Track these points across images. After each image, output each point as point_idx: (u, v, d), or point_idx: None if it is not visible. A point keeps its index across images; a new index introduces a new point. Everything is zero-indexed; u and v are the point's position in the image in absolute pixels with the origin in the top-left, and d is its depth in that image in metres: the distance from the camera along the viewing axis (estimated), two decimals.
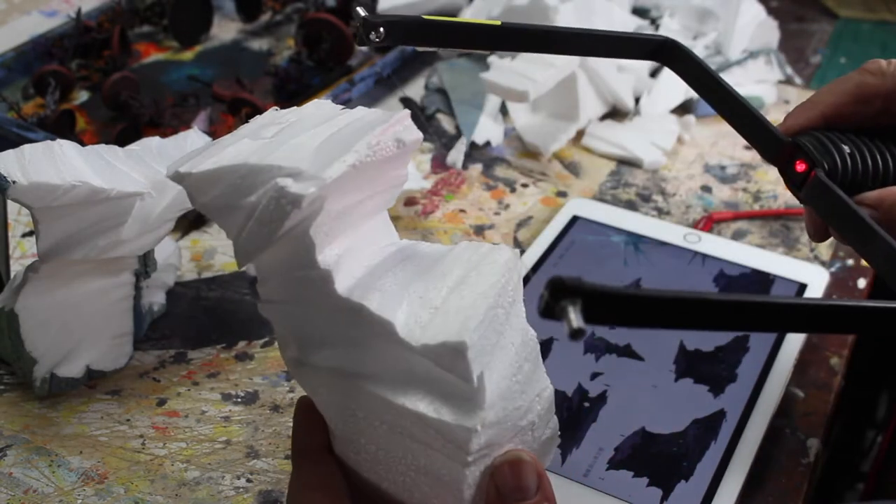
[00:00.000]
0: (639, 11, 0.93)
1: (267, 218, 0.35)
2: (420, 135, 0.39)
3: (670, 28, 0.91)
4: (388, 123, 0.38)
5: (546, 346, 0.59)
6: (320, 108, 0.41)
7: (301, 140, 0.37)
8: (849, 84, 0.49)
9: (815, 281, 0.64)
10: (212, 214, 0.38)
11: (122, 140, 0.72)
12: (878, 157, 0.49)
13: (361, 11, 0.49)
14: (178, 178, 0.38)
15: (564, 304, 0.30)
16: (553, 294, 0.30)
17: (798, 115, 0.50)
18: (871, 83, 0.49)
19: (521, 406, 0.38)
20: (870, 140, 0.49)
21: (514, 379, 0.37)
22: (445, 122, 0.83)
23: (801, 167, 0.48)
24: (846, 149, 0.48)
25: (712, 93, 0.53)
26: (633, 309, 0.31)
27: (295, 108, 0.41)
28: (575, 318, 0.29)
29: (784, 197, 0.74)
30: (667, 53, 0.54)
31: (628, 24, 0.88)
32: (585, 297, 0.30)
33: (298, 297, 0.38)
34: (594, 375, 0.57)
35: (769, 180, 0.76)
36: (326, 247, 0.37)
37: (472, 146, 0.80)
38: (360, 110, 0.40)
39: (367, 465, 0.40)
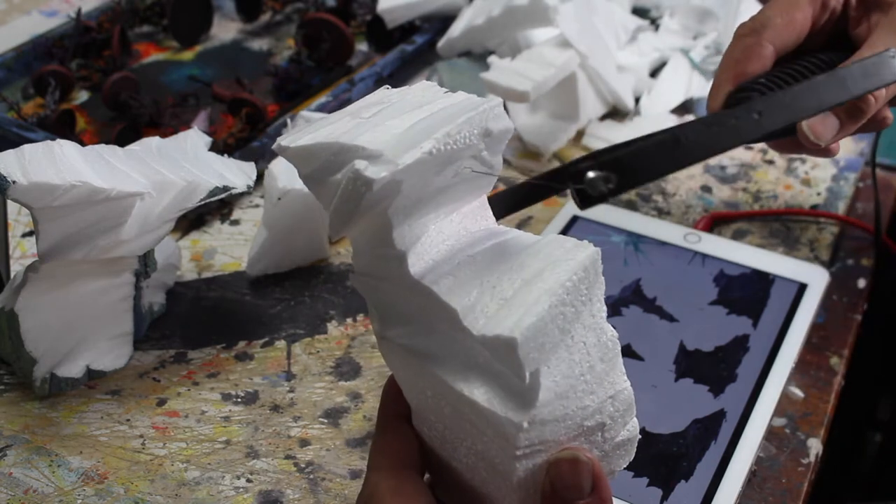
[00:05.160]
0: (639, 11, 0.93)
1: (346, 196, 0.37)
2: (510, 124, 0.39)
3: (670, 28, 0.91)
4: (476, 112, 0.38)
5: None
6: (426, 90, 0.41)
7: (394, 122, 0.39)
8: (736, 49, 0.56)
9: (815, 281, 0.64)
10: (310, 187, 0.40)
11: (122, 140, 0.72)
12: (793, 70, 0.55)
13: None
14: (279, 149, 0.40)
15: (591, 174, 0.35)
16: (574, 177, 0.35)
17: (714, 94, 0.56)
18: (750, 42, 0.56)
19: (588, 406, 0.37)
20: (776, 70, 0.56)
21: (582, 378, 0.37)
22: None
23: None
24: (762, 80, 0.54)
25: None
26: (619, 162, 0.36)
27: (404, 88, 0.42)
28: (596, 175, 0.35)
29: (784, 197, 0.74)
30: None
31: (628, 24, 0.88)
32: (593, 165, 0.35)
33: (380, 274, 0.40)
34: None
35: (769, 180, 0.76)
36: (406, 227, 0.38)
37: None
38: (460, 95, 0.40)
39: (437, 443, 0.40)
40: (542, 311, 0.35)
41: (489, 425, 0.37)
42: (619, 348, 0.39)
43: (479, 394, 0.37)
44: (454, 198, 0.40)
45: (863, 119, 0.54)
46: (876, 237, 0.69)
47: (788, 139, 0.56)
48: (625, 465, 0.40)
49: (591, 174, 0.35)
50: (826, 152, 0.58)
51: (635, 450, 0.40)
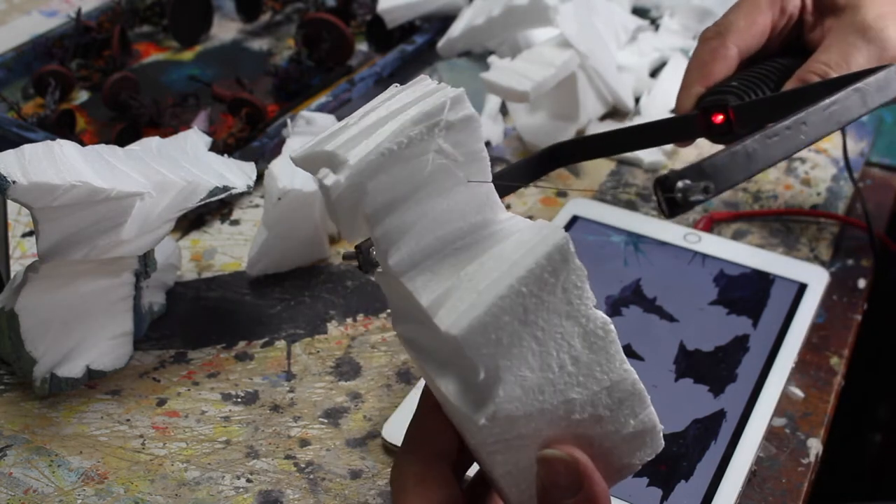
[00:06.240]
0: (639, 11, 0.94)
1: (325, 203, 0.38)
2: (471, 112, 0.38)
3: (670, 28, 0.91)
4: (431, 106, 0.38)
5: None
6: (416, 85, 0.40)
7: (364, 125, 0.38)
8: (703, 52, 0.59)
9: (815, 281, 0.64)
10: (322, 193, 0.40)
11: (122, 140, 0.72)
12: (760, 74, 0.58)
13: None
14: (293, 161, 0.41)
15: (680, 184, 0.37)
16: (664, 186, 0.37)
17: (684, 96, 0.59)
18: (716, 45, 0.58)
19: (573, 399, 0.36)
20: (744, 73, 0.59)
21: (563, 370, 0.36)
22: None
23: (719, 118, 0.55)
24: (734, 84, 0.57)
25: (613, 141, 0.60)
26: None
27: (405, 85, 0.41)
28: (689, 187, 0.37)
29: (784, 197, 0.74)
30: (556, 154, 0.61)
31: (628, 24, 0.88)
32: (683, 174, 0.37)
33: (384, 269, 0.40)
34: None
35: (769, 180, 0.76)
36: (388, 225, 0.38)
37: None
38: (427, 88, 0.39)
39: (459, 431, 0.40)
40: (487, 305, 0.35)
41: (461, 420, 0.37)
42: (615, 336, 0.37)
43: (451, 388, 0.36)
44: (440, 191, 0.38)
45: None
46: (870, 237, 0.69)
47: None
48: (648, 458, 0.39)
49: (680, 183, 0.37)
50: None
51: (660, 441, 0.39)
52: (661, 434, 0.39)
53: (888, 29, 0.56)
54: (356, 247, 0.47)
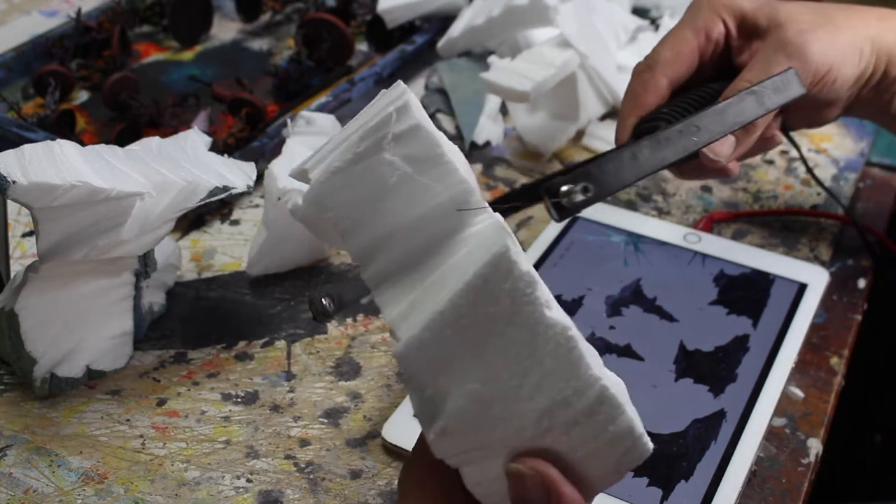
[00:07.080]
0: (639, 11, 0.93)
1: None
2: (414, 121, 0.38)
3: (670, 28, 0.90)
4: (377, 120, 0.37)
5: None
6: (392, 90, 0.40)
7: (339, 139, 0.39)
8: (635, 85, 0.61)
9: (815, 281, 0.64)
10: None
11: (122, 140, 0.72)
12: (690, 99, 0.60)
13: None
14: (290, 176, 0.42)
15: (564, 188, 0.37)
16: (550, 192, 0.37)
17: (621, 127, 0.60)
18: (646, 77, 0.60)
19: (532, 409, 0.35)
20: (675, 100, 0.60)
21: (516, 380, 0.35)
22: (446, 123, 0.83)
23: None
24: (665, 111, 0.59)
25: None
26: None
27: (389, 89, 0.40)
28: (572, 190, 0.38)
29: (784, 197, 0.74)
30: (507, 200, 0.63)
31: (628, 24, 0.88)
32: (568, 179, 0.37)
33: None
34: None
35: (769, 180, 0.76)
36: (363, 237, 0.38)
37: (473, 146, 0.80)
38: (384, 100, 0.39)
39: None
40: (425, 323, 0.35)
41: None
42: (578, 343, 0.35)
43: (414, 403, 0.37)
44: (409, 200, 0.38)
45: (754, 135, 0.59)
46: (862, 238, 0.69)
47: (691, 164, 0.59)
48: (635, 464, 0.37)
49: (564, 188, 0.37)
50: (725, 173, 0.61)
51: (645, 446, 0.37)
52: (645, 439, 0.37)
53: (809, 44, 0.58)
54: (309, 298, 0.47)
